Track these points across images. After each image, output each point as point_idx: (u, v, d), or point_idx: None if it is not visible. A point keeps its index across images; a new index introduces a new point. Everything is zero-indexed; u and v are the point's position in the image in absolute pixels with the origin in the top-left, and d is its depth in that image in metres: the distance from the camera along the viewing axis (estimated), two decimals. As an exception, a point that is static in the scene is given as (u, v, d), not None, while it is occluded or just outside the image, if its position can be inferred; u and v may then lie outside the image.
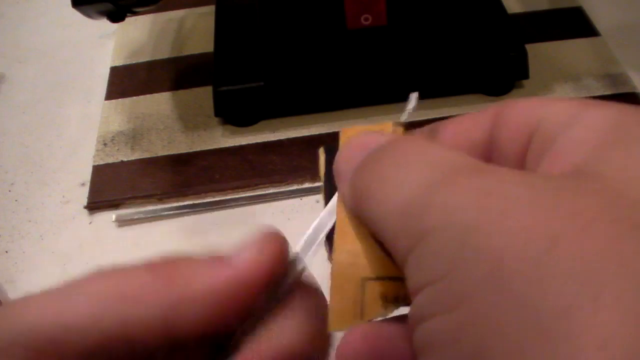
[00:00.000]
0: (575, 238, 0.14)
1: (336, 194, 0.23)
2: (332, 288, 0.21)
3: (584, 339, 0.13)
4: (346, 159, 0.21)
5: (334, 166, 0.22)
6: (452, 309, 0.15)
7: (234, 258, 0.21)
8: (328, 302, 0.21)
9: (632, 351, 0.13)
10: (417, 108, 0.24)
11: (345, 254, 0.21)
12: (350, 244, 0.21)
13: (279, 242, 0.21)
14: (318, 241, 0.22)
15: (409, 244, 0.17)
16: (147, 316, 0.20)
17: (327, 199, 0.23)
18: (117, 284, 0.20)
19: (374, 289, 0.21)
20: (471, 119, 0.22)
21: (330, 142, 0.23)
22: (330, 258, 0.22)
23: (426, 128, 0.23)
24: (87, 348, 0.19)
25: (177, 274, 0.20)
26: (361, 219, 0.20)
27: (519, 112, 0.20)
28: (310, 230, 0.22)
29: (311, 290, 0.22)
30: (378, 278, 0.21)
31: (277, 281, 0.21)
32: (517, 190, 0.16)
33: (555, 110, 0.19)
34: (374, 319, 0.21)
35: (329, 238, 0.22)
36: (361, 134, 0.22)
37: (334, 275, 0.21)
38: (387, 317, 0.20)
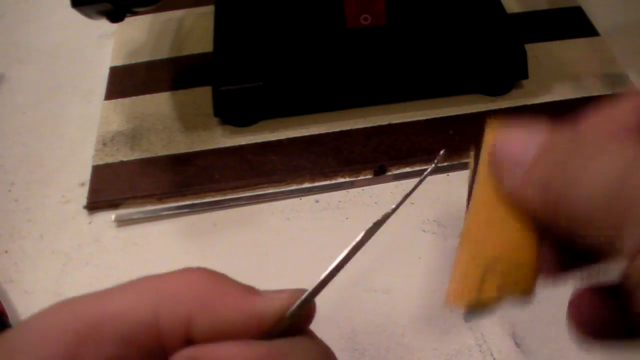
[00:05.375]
0: None
1: (475, 180, 0.24)
2: (456, 266, 0.23)
3: None
4: (513, 152, 0.23)
5: (492, 158, 0.24)
6: None
7: (264, 294, 0.23)
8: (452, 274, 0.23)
9: None
10: (417, 108, 0.24)
11: (475, 232, 0.23)
12: (483, 225, 0.23)
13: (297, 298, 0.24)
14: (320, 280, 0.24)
15: (619, 216, 0.19)
16: (176, 310, 0.22)
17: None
18: (155, 281, 0.23)
19: (494, 274, 0.22)
20: (607, 116, 0.24)
21: (330, 142, 0.23)
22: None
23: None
24: (123, 335, 0.21)
25: (211, 290, 0.22)
26: (548, 205, 0.21)
27: None
28: (326, 272, 0.23)
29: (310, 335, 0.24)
30: (499, 260, 0.22)
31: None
32: None
33: None
34: (489, 303, 0.22)
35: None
36: (513, 131, 0.23)
37: (457, 261, 0.23)
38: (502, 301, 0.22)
